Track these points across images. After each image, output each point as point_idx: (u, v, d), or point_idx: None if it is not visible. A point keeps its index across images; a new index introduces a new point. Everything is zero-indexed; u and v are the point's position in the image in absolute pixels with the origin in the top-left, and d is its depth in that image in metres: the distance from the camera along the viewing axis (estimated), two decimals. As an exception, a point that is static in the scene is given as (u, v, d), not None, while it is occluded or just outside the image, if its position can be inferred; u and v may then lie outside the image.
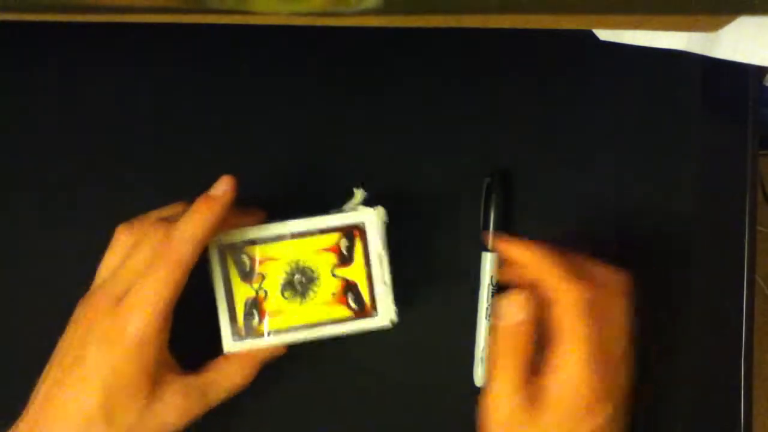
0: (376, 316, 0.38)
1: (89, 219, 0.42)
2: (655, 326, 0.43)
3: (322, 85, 0.43)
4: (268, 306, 0.37)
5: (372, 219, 0.37)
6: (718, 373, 0.43)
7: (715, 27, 0.35)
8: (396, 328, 0.38)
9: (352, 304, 0.38)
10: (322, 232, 0.37)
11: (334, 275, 0.37)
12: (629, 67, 0.43)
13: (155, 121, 0.43)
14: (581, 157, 0.43)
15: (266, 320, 0.37)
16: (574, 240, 0.43)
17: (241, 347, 0.37)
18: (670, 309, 0.43)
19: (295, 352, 0.39)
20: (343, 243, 0.37)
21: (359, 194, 0.38)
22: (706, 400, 0.43)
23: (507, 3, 0.29)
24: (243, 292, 0.37)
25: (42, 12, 0.31)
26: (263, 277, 0.37)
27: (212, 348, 0.37)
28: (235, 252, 0.37)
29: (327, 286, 0.37)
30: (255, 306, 0.37)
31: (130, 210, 0.38)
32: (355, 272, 0.37)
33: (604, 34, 0.40)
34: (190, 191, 0.36)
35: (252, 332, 0.37)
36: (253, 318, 0.37)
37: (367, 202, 0.38)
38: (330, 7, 0.29)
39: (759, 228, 0.43)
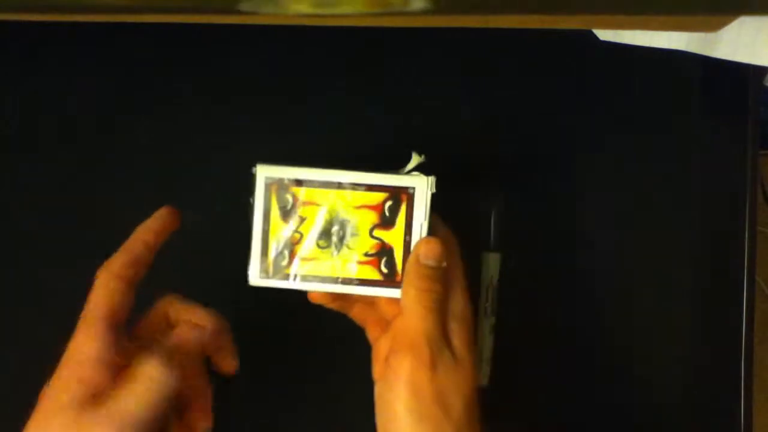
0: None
1: (89, 219, 0.42)
2: (655, 326, 0.43)
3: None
4: (300, 250, 0.37)
5: (423, 186, 0.37)
6: (718, 373, 0.43)
7: (715, 27, 0.35)
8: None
9: (384, 269, 0.37)
10: (370, 188, 0.37)
11: (372, 235, 0.37)
12: (629, 67, 0.43)
13: (156, 119, 0.43)
14: (581, 157, 0.43)
15: (295, 263, 0.37)
16: (572, 240, 0.43)
17: (265, 284, 0.37)
18: (670, 309, 0.43)
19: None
20: (388, 204, 0.37)
21: (416, 159, 0.37)
22: (706, 399, 0.43)
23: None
24: (279, 230, 0.37)
25: (42, 12, 0.31)
26: (302, 220, 0.37)
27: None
28: (280, 188, 0.37)
29: (362, 244, 0.37)
30: (288, 247, 0.37)
31: (130, 210, 0.38)
32: (393, 237, 0.37)
33: (604, 34, 0.40)
34: (191, 190, 0.36)
35: (279, 272, 0.37)
36: (284, 259, 0.37)
37: (422, 171, 0.37)
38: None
39: (759, 228, 0.43)
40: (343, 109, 0.43)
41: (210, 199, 0.43)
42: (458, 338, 0.36)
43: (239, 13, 0.30)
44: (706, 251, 0.43)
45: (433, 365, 0.34)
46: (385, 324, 0.38)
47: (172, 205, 0.37)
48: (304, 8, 0.30)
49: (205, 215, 0.41)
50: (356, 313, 0.39)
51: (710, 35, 0.37)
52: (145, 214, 0.36)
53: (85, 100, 0.43)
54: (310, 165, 0.37)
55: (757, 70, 0.42)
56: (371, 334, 0.39)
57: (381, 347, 0.38)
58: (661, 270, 0.43)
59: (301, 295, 0.37)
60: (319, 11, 0.30)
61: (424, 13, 0.30)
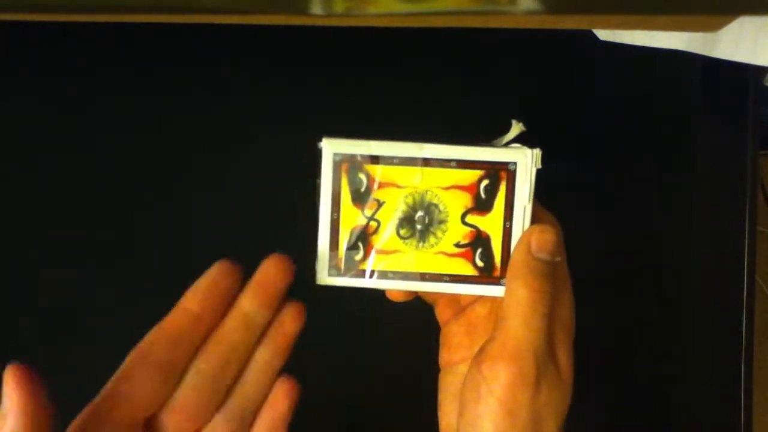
0: (504, 285, 0.31)
1: (90, 219, 0.42)
2: (655, 326, 0.43)
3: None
4: (377, 241, 0.31)
5: (526, 160, 0.31)
6: (718, 374, 0.43)
7: (715, 27, 0.35)
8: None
9: (479, 262, 0.31)
10: (462, 164, 0.31)
11: (464, 221, 0.31)
12: (629, 67, 0.43)
13: (162, 121, 0.43)
14: (580, 157, 0.43)
15: (372, 257, 0.31)
16: (570, 240, 0.43)
17: (336, 282, 0.31)
18: (671, 309, 0.43)
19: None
20: (484, 184, 0.31)
21: (516, 128, 0.32)
22: (706, 400, 0.43)
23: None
24: (351, 218, 0.31)
25: (43, 12, 0.31)
26: (379, 205, 0.31)
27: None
28: (352, 166, 0.31)
29: (453, 232, 0.31)
30: (362, 237, 0.31)
31: (131, 211, 0.38)
32: (490, 223, 0.31)
33: (604, 34, 0.40)
34: (192, 191, 0.36)
35: (352, 268, 0.31)
36: (357, 252, 0.31)
37: (523, 142, 0.32)
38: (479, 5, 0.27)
39: (759, 228, 0.43)
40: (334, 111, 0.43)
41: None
42: (563, 350, 0.31)
43: (312, 15, 0.28)
44: (706, 251, 0.43)
45: (537, 384, 0.30)
46: (458, 306, 0.35)
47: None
48: (397, 7, 0.27)
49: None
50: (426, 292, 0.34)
51: (710, 35, 0.37)
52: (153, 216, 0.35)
53: (85, 100, 0.43)
54: (388, 138, 0.31)
55: (757, 70, 0.42)
56: (441, 315, 0.35)
57: (452, 332, 0.34)
58: (660, 270, 0.43)
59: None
60: (414, 9, 0.27)
61: (531, 13, 0.27)
